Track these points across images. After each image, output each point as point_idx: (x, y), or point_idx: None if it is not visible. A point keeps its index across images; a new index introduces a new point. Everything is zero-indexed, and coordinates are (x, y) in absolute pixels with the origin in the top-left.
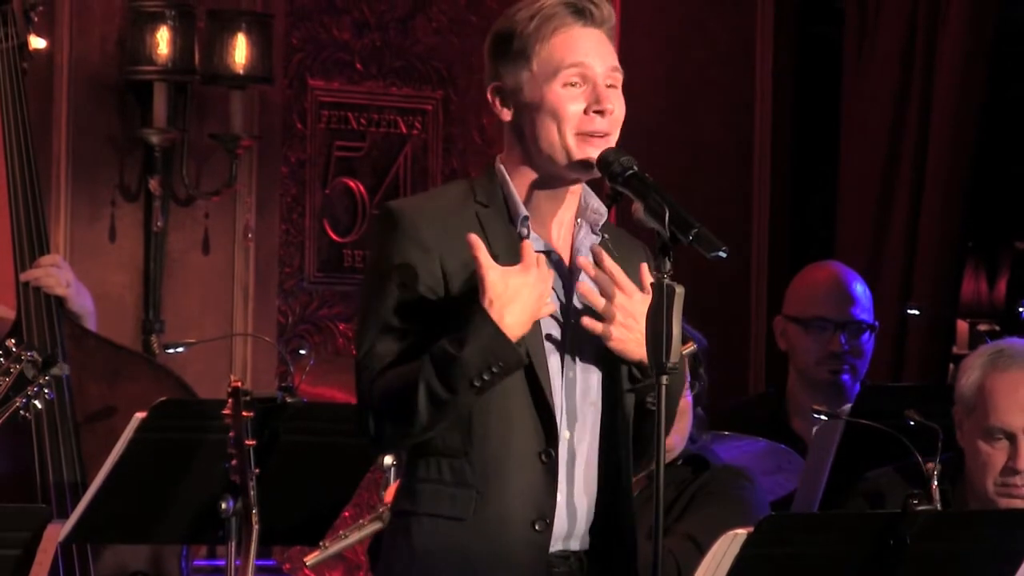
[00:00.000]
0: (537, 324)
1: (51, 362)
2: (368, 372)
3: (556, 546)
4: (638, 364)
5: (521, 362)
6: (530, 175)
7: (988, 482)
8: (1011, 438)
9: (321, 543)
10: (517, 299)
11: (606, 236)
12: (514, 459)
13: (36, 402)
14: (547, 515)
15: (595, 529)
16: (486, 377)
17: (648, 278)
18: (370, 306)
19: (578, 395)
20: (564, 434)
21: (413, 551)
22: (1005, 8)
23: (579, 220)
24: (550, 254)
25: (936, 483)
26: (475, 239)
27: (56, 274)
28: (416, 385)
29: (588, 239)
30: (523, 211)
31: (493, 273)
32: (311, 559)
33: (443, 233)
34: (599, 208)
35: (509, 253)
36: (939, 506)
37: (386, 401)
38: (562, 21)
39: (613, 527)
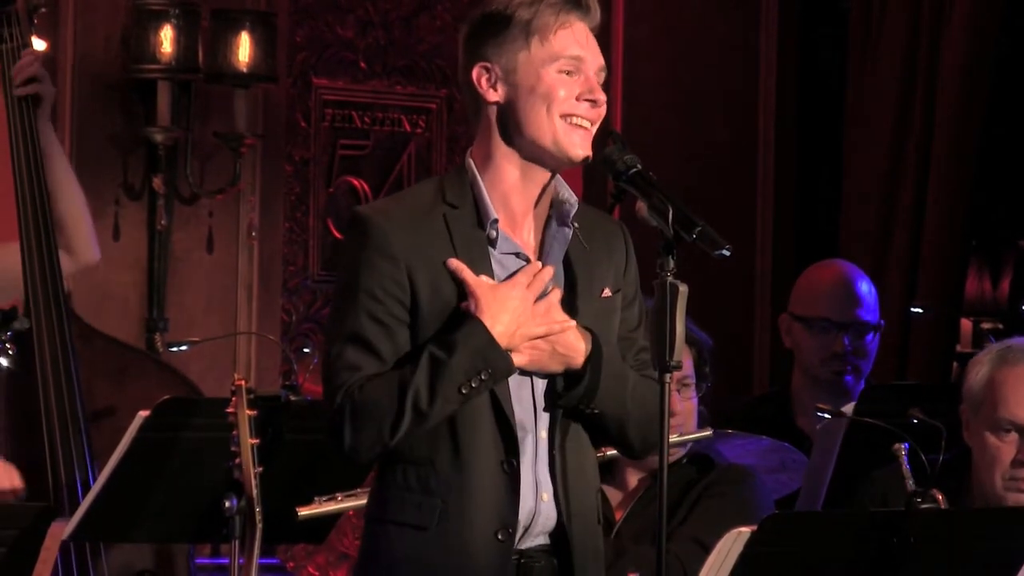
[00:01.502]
0: None
1: (11, 317)
2: (340, 383)
3: (537, 541)
4: (562, 376)
5: (510, 370)
6: (505, 168)
7: (996, 476)
8: (1020, 431)
9: (317, 498)
10: (506, 309)
11: (576, 226)
12: (476, 468)
13: (1, 359)
14: (510, 524)
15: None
16: (474, 384)
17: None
18: (339, 314)
19: (550, 395)
20: (541, 435)
21: (379, 559)
22: (1009, 7)
23: (551, 211)
24: (518, 254)
25: (915, 481)
26: (456, 264)
27: (35, 65)
28: (403, 391)
29: (559, 234)
30: (492, 213)
31: (483, 286)
32: (304, 511)
33: (411, 240)
34: (569, 198)
35: (476, 258)
36: (944, 503)
37: (367, 411)
38: (565, 11)
39: (576, 516)
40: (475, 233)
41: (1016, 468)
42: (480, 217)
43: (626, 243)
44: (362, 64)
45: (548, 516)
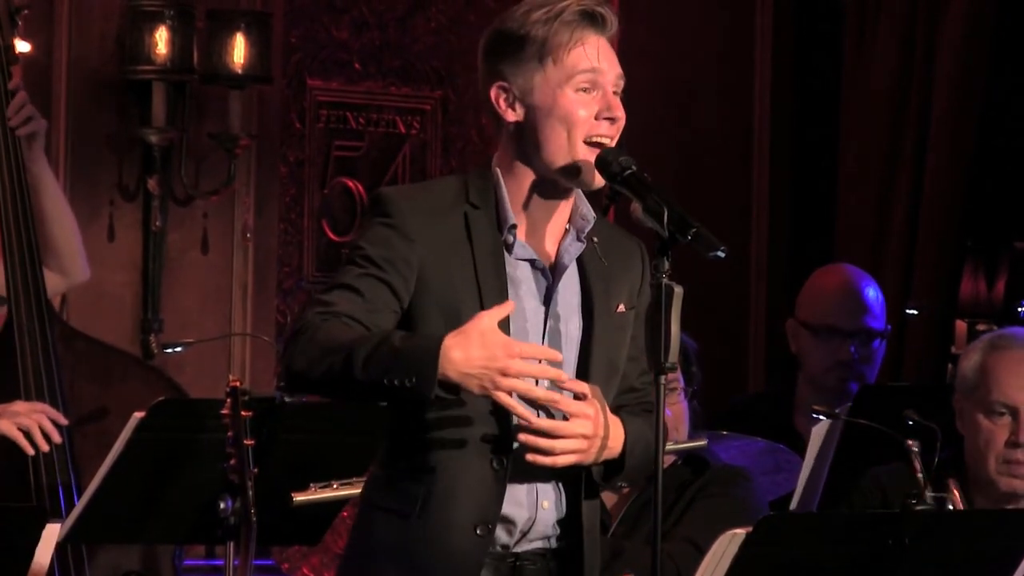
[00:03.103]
0: (507, 322)
1: None
2: (311, 313)
3: (534, 545)
4: (599, 468)
5: (427, 391)
6: (525, 180)
7: (990, 460)
8: (1013, 413)
9: (313, 485)
10: (480, 346)
11: (595, 241)
12: (465, 461)
13: None
14: (490, 520)
15: (561, 526)
16: (396, 382)
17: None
18: (341, 271)
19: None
20: None
21: (362, 544)
22: (1003, 10)
23: (568, 225)
24: (535, 262)
25: (922, 473)
26: (512, 306)
27: (29, 105)
28: (351, 348)
29: (573, 247)
30: (511, 218)
31: (486, 319)
32: (300, 497)
33: (429, 228)
34: (587, 214)
35: (492, 259)
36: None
37: (318, 342)
38: (580, 28)
39: (576, 525)
40: (493, 235)
41: (1009, 450)
42: (499, 221)
43: (643, 262)
44: (357, 65)
45: (547, 523)
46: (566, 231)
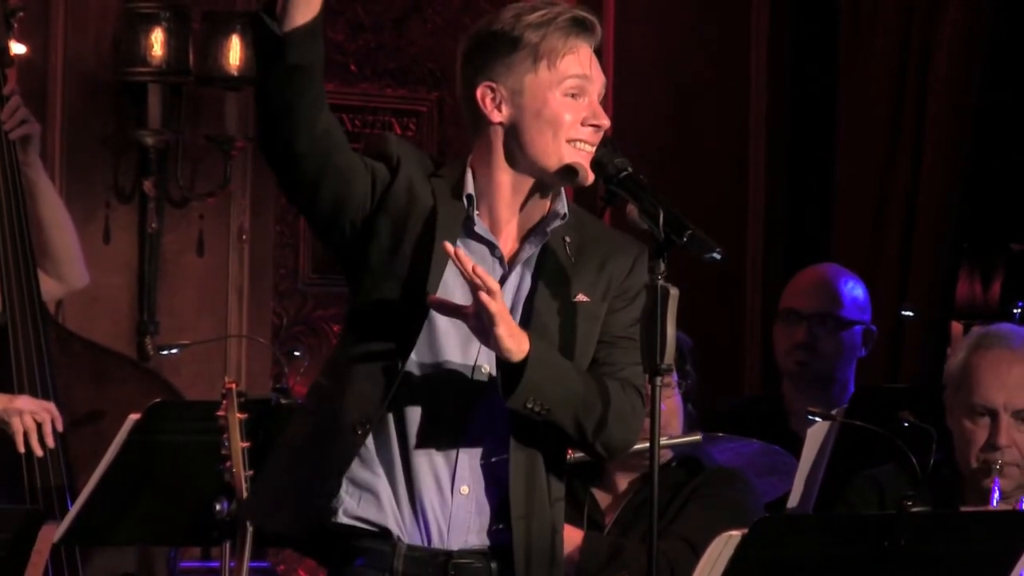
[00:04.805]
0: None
1: None
2: None
3: (473, 541)
4: (499, 374)
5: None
6: (500, 179)
7: (971, 459)
8: (992, 415)
9: None
10: None
11: (567, 240)
12: (364, 364)
13: None
14: (369, 419)
15: (501, 521)
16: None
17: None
18: None
19: (488, 390)
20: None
21: (285, 439)
22: (999, 11)
23: (540, 222)
24: (494, 249)
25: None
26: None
27: (23, 108)
28: None
29: (536, 239)
30: (469, 188)
31: None
32: None
33: (409, 174)
34: (560, 210)
35: (451, 217)
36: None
37: None
38: (574, 36)
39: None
40: (455, 202)
41: (988, 451)
42: (461, 193)
43: (634, 263)
44: (352, 67)
45: (470, 512)
46: (534, 227)
